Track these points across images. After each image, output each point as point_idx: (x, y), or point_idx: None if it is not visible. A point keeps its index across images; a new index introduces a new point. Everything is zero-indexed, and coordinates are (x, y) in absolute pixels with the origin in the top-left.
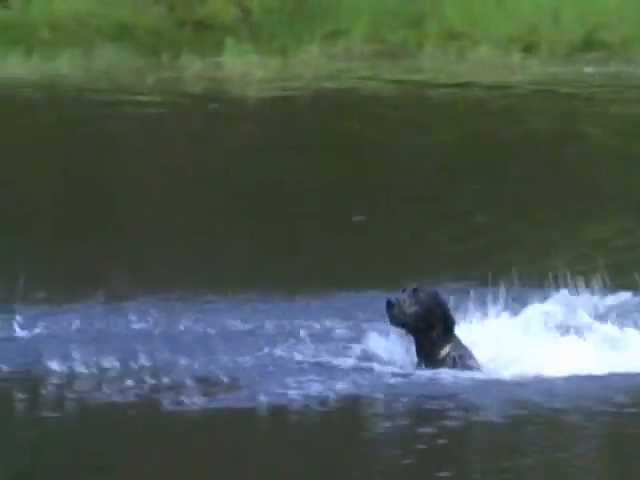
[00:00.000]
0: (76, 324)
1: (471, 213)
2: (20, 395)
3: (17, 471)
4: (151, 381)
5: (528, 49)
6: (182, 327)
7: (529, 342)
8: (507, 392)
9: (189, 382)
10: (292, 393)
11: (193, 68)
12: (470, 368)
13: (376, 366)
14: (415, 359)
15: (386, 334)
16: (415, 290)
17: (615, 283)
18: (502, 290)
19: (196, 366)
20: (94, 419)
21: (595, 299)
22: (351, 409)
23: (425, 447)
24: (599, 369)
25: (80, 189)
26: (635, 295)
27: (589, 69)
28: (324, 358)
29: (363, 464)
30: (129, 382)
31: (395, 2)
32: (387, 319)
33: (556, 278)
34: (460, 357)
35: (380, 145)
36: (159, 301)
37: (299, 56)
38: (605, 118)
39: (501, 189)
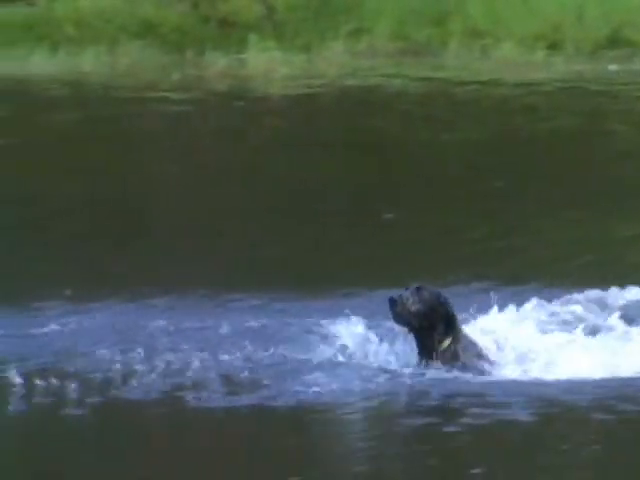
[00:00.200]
0: (100, 321)
1: (497, 210)
2: (44, 391)
3: (41, 466)
4: (173, 379)
5: (552, 47)
6: (205, 325)
7: (551, 341)
8: (531, 390)
9: (210, 380)
10: (313, 391)
11: (217, 65)
12: (473, 363)
13: (398, 364)
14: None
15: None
16: (419, 288)
17: None
18: (529, 288)
19: (218, 364)
20: (117, 416)
21: (621, 296)
22: (373, 407)
23: (451, 445)
24: (624, 368)
25: (104, 187)
26: None
27: (613, 67)
28: (346, 357)
29: (388, 462)
30: (151, 379)
31: (419, 0)
32: (390, 316)
33: (583, 275)
34: (463, 350)
35: (405, 142)
36: (182, 299)
37: (323, 53)
38: (630, 115)
39: (527, 186)
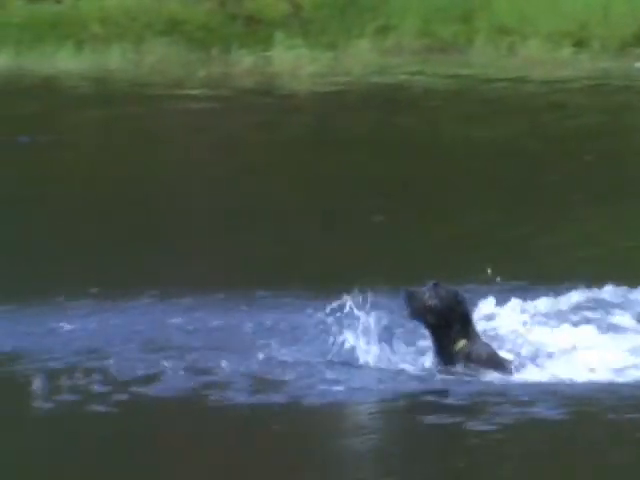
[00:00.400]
0: (125, 319)
1: (528, 206)
2: (69, 389)
3: (65, 463)
4: (198, 377)
5: (579, 44)
6: (229, 323)
7: (573, 340)
8: (553, 388)
9: (235, 378)
10: (336, 390)
11: (243, 63)
12: (487, 366)
13: (419, 363)
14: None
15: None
16: (436, 285)
17: None
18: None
19: (242, 362)
20: (142, 414)
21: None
22: (396, 406)
23: (477, 443)
24: None
25: (131, 184)
26: None
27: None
28: (368, 355)
29: (413, 460)
30: (176, 378)
31: None
32: (406, 311)
33: (602, 276)
34: (477, 355)
35: (434, 139)
36: (207, 297)
37: (349, 51)
38: None
39: (551, 184)
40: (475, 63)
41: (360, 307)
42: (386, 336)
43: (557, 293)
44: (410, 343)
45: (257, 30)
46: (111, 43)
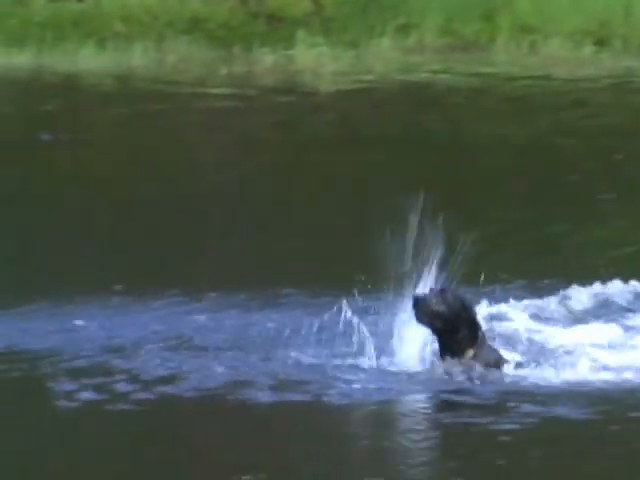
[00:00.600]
0: (148, 318)
1: (556, 205)
2: (91, 388)
3: (84, 463)
4: (219, 376)
5: (600, 43)
6: (251, 321)
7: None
8: (576, 389)
9: (256, 377)
10: (357, 388)
11: (265, 61)
12: (493, 370)
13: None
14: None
15: None
16: (443, 290)
17: None
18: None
19: (263, 361)
20: (163, 413)
21: None
22: (418, 405)
23: (501, 441)
24: None
25: (154, 183)
26: None
27: None
28: (389, 355)
29: (434, 458)
30: (198, 376)
31: None
32: (413, 315)
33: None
34: (485, 357)
35: (458, 137)
36: (231, 296)
37: (371, 49)
38: None
39: (588, 181)
40: (497, 61)
41: (383, 306)
42: (408, 336)
43: (581, 291)
44: (431, 342)
45: (279, 28)
46: (133, 41)
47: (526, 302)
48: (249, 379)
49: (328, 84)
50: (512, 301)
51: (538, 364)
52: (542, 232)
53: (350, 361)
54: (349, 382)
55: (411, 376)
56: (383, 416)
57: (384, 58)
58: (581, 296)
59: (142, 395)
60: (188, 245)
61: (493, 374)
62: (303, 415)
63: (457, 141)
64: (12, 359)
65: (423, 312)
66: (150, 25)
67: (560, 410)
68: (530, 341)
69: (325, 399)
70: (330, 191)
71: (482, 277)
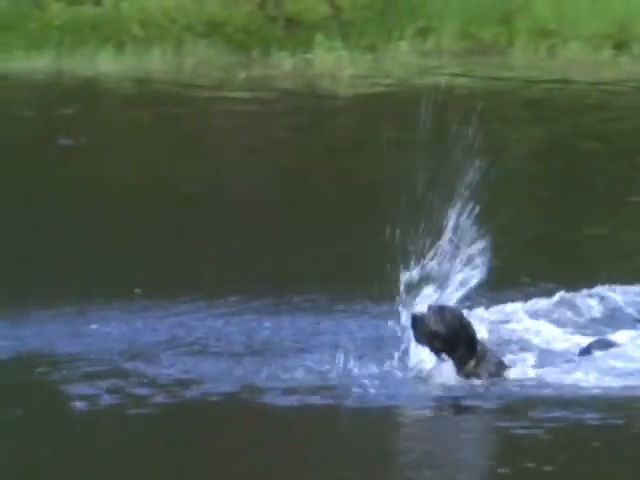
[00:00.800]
0: (168, 322)
1: (583, 210)
2: (109, 391)
3: (101, 466)
4: (236, 380)
5: (619, 46)
6: (271, 324)
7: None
8: (593, 393)
9: (275, 381)
10: (378, 393)
11: (283, 65)
12: (495, 376)
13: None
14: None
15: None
16: (441, 308)
17: None
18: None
19: (282, 365)
20: (180, 417)
21: None
22: (439, 410)
23: (524, 444)
24: None
25: (171, 186)
26: None
27: None
28: (408, 359)
29: (459, 461)
30: (216, 381)
31: None
32: (412, 335)
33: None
34: (487, 366)
35: (481, 141)
36: (251, 300)
37: (389, 53)
38: None
39: (611, 184)
40: (515, 65)
41: (397, 312)
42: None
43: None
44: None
45: (297, 32)
46: (151, 45)
47: (554, 305)
48: (266, 383)
49: (346, 88)
50: (543, 304)
51: (562, 369)
52: (574, 235)
53: (368, 365)
54: (367, 386)
55: (427, 381)
56: (401, 420)
57: (402, 62)
58: (616, 298)
59: (160, 399)
60: (207, 249)
61: (498, 382)
62: (321, 419)
63: (480, 144)
64: (31, 363)
65: (421, 332)
66: (168, 29)
67: (579, 414)
68: (548, 344)
69: (343, 403)
70: (348, 194)
71: (513, 280)
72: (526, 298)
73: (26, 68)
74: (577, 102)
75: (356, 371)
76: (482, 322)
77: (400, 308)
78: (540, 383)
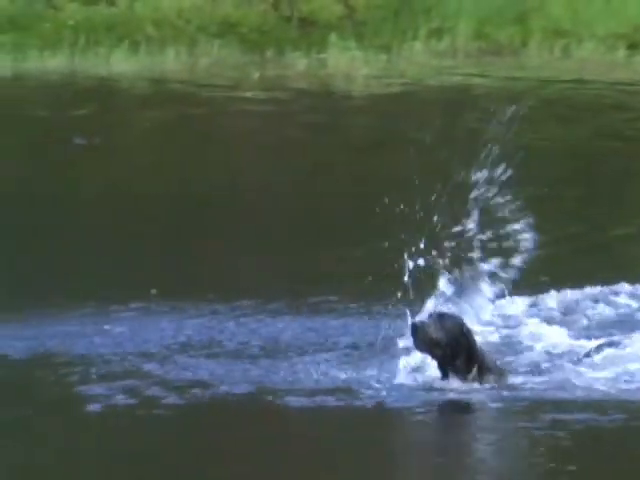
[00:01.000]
0: (182, 324)
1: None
2: (122, 392)
3: (114, 467)
4: (251, 382)
5: (633, 47)
6: (287, 326)
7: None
8: (609, 395)
9: (289, 383)
10: (392, 396)
11: (298, 65)
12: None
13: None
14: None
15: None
16: (441, 316)
17: None
18: None
19: (296, 367)
20: (193, 418)
21: None
22: (457, 411)
23: (545, 445)
24: None
25: (186, 187)
26: None
27: None
28: (424, 363)
29: (481, 460)
30: (230, 383)
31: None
32: (412, 342)
33: None
34: (487, 371)
35: (500, 141)
36: (267, 301)
37: (403, 53)
38: None
39: (632, 186)
40: (530, 65)
41: (413, 314)
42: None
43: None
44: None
45: (311, 32)
46: (165, 45)
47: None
48: (280, 385)
49: (361, 88)
50: (579, 305)
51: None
52: (600, 236)
53: (382, 367)
54: (380, 388)
55: (440, 383)
56: (413, 422)
57: (416, 62)
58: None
59: (173, 400)
60: (222, 250)
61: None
62: (334, 420)
63: (499, 144)
64: (45, 363)
65: (421, 340)
66: (182, 29)
67: (596, 416)
68: (556, 347)
69: (357, 405)
70: (363, 194)
71: (537, 282)
72: (545, 299)
73: (40, 68)
74: (594, 102)
75: (370, 373)
76: (491, 325)
77: (414, 310)
78: (552, 386)
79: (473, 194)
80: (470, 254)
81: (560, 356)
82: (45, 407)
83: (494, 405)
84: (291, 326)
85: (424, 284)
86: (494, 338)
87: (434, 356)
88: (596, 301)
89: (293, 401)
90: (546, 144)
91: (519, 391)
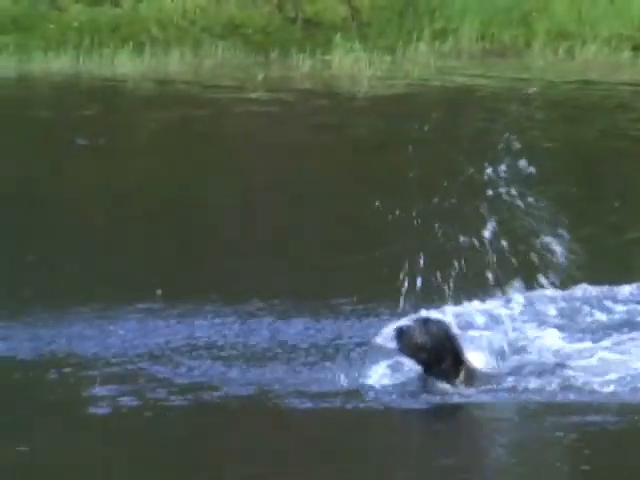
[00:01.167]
0: (185, 326)
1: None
2: (128, 394)
3: (119, 469)
4: (256, 384)
5: (638, 48)
6: (299, 329)
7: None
8: (609, 398)
9: (293, 385)
10: (396, 397)
11: (302, 66)
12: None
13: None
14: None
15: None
16: (426, 321)
17: None
18: None
19: (301, 369)
20: (197, 419)
21: None
22: (468, 415)
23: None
24: None
25: (191, 188)
26: None
27: None
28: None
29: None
30: (236, 385)
31: (504, 1)
32: (396, 347)
33: None
34: (473, 374)
35: (507, 142)
36: (276, 304)
37: (408, 54)
38: None
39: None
40: (534, 67)
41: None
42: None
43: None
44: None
45: (316, 34)
46: (170, 46)
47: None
48: (284, 387)
49: (365, 89)
50: (583, 306)
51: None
52: (612, 237)
53: (387, 369)
54: (385, 391)
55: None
56: (419, 424)
57: (421, 63)
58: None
59: (177, 401)
60: (226, 251)
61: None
62: (339, 423)
63: (506, 145)
64: (49, 364)
65: (405, 344)
66: (187, 30)
67: (602, 418)
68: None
69: (361, 407)
70: (368, 194)
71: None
72: (548, 300)
73: (45, 69)
74: (600, 103)
75: (374, 375)
76: (492, 328)
77: (423, 313)
78: (558, 388)
79: (478, 195)
80: (470, 254)
81: (566, 358)
82: (49, 408)
83: (498, 407)
84: (296, 328)
85: (425, 284)
86: (496, 340)
87: (419, 361)
88: (601, 303)
89: (298, 403)
90: (551, 145)
91: (524, 394)
